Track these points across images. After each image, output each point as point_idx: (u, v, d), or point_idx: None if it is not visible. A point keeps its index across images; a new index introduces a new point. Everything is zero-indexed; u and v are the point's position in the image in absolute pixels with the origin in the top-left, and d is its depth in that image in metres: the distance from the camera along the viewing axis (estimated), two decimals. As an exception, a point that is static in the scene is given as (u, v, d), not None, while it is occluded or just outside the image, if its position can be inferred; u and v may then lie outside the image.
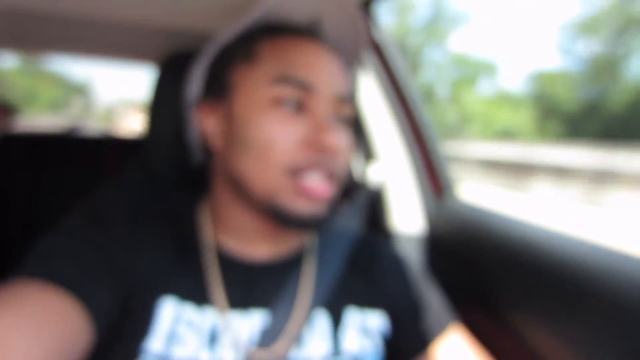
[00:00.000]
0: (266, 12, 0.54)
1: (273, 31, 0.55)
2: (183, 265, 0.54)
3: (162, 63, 0.71)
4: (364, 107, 1.01)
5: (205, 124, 0.57)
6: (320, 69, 0.53)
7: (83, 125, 3.91)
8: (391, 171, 1.00)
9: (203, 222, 0.58)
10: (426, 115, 1.02)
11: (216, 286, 0.54)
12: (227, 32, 0.57)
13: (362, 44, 0.59)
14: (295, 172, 0.50)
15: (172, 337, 0.50)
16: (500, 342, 0.72)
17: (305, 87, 0.51)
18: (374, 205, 1.00)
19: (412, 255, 0.94)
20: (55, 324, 0.41)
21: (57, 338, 0.41)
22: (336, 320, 0.57)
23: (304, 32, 0.56)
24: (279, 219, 0.52)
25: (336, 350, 0.55)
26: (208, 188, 0.60)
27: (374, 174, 0.99)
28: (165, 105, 0.70)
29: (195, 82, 0.62)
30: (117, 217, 0.54)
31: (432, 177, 1.00)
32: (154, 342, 0.49)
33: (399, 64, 1.00)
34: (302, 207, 0.50)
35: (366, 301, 0.60)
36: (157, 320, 0.50)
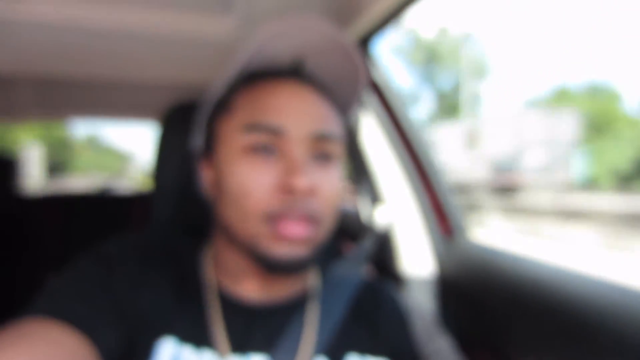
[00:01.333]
0: (249, 60, 0.55)
1: (252, 78, 0.56)
2: (184, 307, 0.54)
3: (163, 116, 0.74)
4: (367, 149, 1.01)
5: (204, 176, 0.59)
6: (291, 110, 0.53)
7: (116, 185, 4.08)
8: (398, 213, 0.98)
9: (205, 265, 0.59)
10: (433, 155, 1.02)
11: (217, 328, 0.54)
12: (216, 84, 0.59)
13: (360, 81, 0.58)
14: (272, 217, 0.50)
15: None
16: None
17: (274, 131, 0.51)
18: (381, 249, 0.97)
19: (422, 298, 0.91)
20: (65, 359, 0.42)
21: None
22: None
23: (284, 74, 0.56)
24: (261, 263, 0.52)
25: None
26: (210, 234, 0.62)
27: (381, 217, 0.98)
28: (168, 157, 0.72)
29: (197, 135, 0.63)
30: (121, 259, 0.55)
31: (441, 217, 0.98)
32: None
33: (399, 102, 1.01)
34: (280, 251, 0.50)
35: (368, 348, 0.58)
36: None
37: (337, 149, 0.55)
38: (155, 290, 0.54)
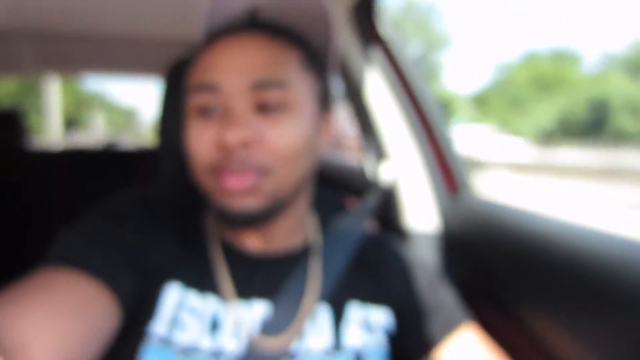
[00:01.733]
0: (209, 17, 0.55)
1: (211, 37, 0.56)
2: (189, 255, 0.57)
3: (165, 72, 0.73)
4: (373, 104, 1.00)
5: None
6: (227, 64, 0.52)
7: (121, 140, 4.12)
8: (403, 169, 0.98)
9: (208, 218, 0.61)
10: (438, 110, 1.00)
11: (221, 275, 0.56)
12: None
13: (328, 27, 0.56)
14: (214, 171, 0.52)
15: (174, 322, 0.52)
16: (516, 341, 0.69)
17: (211, 89, 0.52)
18: (386, 204, 0.98)
19: (427, 254, 0.93)
20: (87, 307, 0.45)
21: (89, 320, 0.44)
22: (338, 314, 0.58)
23: (238, 28, 0.55)
24: (222, 216, 0.54)
25: (337, 344, 0.56)
26: None
27: (386, 173, 0.98)
28: (170, 113, 0.71)
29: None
30: (128, 213, 0.57)
31: (446, 174, 0.98)
32: (158, 326, 0.52)
33: (406, 59, 0.99)
34: (229, 203, 0.52)
35: (370, 297, 0.60)
36: (161, 305, 0.53)
37: (291, 97, 0.53)
38: (161, 241, 0.56)
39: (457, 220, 0.91)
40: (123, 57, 1.45)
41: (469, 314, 0.64)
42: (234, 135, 0.49)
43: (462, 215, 0.90)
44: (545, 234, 0.68)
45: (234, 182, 0.50)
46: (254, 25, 0.56)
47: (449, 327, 0.60)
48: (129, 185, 0.65)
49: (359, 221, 0.69)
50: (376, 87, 0.99)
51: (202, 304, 0.54)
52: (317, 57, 0.59)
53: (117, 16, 0.99)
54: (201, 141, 0.52)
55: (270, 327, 0.54)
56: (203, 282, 0.55)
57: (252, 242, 0.59)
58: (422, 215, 0.95)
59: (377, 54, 0.98)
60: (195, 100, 0.53)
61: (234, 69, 0.52)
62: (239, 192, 0.51)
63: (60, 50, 1.39)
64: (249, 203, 0.51)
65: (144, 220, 0.57)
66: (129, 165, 1.66)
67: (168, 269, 0.55)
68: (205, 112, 0.52)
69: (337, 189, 0.75)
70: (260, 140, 0.51)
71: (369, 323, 0.58)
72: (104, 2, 0.90)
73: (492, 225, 0.81)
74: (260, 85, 0.51)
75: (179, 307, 0.53)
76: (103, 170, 1.63)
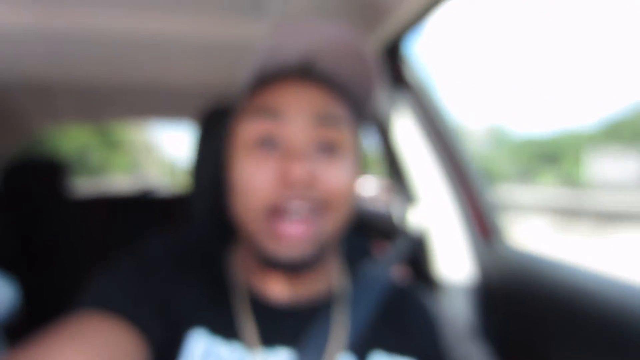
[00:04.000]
0: (261, 63, 0.55)
1: (264, 81, 0.57)
2: (215, 303, 0.56)
3: (199, 119, 0.76)
4: (402, 149, 1.00)
5: (227, 177, 0.60)
6: (291, 97, 0.53)
7: (156, 186, 4.26)
8: (434, 215, 0.96)
9: (235, 266, 0.61)
10: (469, 154, 0.99)
11: (246, 323, 0.55)
12: (237, 90, 0.60)
13: (372, 82, 0.57)
14: (271, 212, 0.50)
15: None
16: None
17: (274, 115, 0.52)
18: (416, 251, 0.96)
19: (459, 303, 0.89)
20: (119, 351, 0.45)
21: None
22: None
23: (293, 75, 0.56)
24: (264, 261, 0.53)
25: None
26: (237, 235, 0.63)
27: (415, 218, 0.96)
28: (202, 160, 0.74)
29: (221, 138, 0.65)
30: (158, 261, 0.57)
31: (479, 220, 0.95)
32: None
33: (434, 102, 0.99)
34: (277, 249, 0.50)
35: (395, 348, 0.58)
36: (188, 351, 0.52)
37: (345, 139, 0.54)
38: (189, 289, 0.56)
39: (491, 268, 0.87)
40: (154, 105, 1.53)
41: None
42: (301, 169, 0.48)
43: (497, 264, 0.87)
44: (581, 286, 0.65)
45: (293, 229, 0.50)
46: (306, 74, 0.57)
47: None
48: (163, 230, 0.67)
49: (386, 268, 0.68)
50: (405, 131, 0.99)
51: (228, 351, 0.53)
52: (358, 107, 0.60)
53: (149, 68, 1.05)
54: (260, 176, 0.50)
55: None
56: (228, 329, 0.54)
57: (279, 290, 0.58)
58: (454, 263, 0.92)
59: (406, 99, 0.99)
60: (255, 127, 0.52)
61: (299, 101, 0.53)
62: (295, 239, 0.50)
63: (98, 101, 1.48)
64: (300, 250, 0.51)
65: (173, 268, 0.57)
66: (163, 211, 1.71)
67: (195, 315, 0.55)
68: (263, 145, 0.52)
69: (363, 233, 0.74)
70: (321, 179, 0.51)
71: None
72: (139, 55, 0.95)
73: (529, 275, 0.77)
74: (322, 121, 0.52)
75: (206, 355, 0.52)
76: (139, 217, 1.69)
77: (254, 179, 0.51)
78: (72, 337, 0.44)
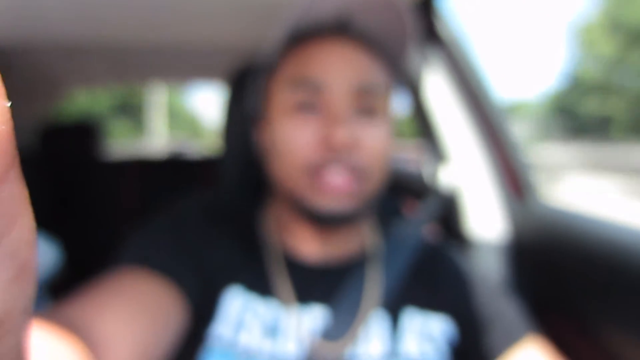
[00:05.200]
0: (296, 20, 0.54)
1: (299, 38, 0.56)
2: (249, 260, 0.58)
3: (230, 79, 0.75)
4: (433, 106, 0.98)
5: (260, 139, 0.61)
6: (333, 65, 0.53)
7: (188, 148, 4.31)
8: (465, 173, 0.95)
9: (268, 225, 0.62)
10: (501, 111, 0.96)
11: (281, 280, 0.56)
12: (266, 46, 0.59)
13: (408, 36, 0.56)
14: (314, 170, 0.51)
15: (239, 324, 0.53)
16: (589, 356, 0.65)
17: (315, 87, 0.52)
18: (447, 209, 0.96)
19: (492, 262, 0.89)
20: (160, 306, 0.47)
21: (162, 319, 0.46)
22: (395, 321, 0.57)
23: (329, 32, 0.56)
24: (308, 216, 0.54)
25: (394, 351, 0.55)
26: (270, 195, 0.64)
27: (446, 177, 0.95)
28: (233, 121, 0.74)
29: (252, 99, 0.64)
30: (191, 218, 0.59)
31: (511, 177, 0.94)
32: (224, 329, 0.53)
33: (470, 59, 0.96)
34: (324, 203, 0.52)
35: (428, 303, 0.59)
36: (226, 307, 0.54)
37: (384, 103, 0.55)
38: (223, 247, 0.58)
39: (525, 227, 0.87)
40: (186, 66, 1.52)
41: (536, 327, 0.60)
42: (344, 134, 0.49)
43: (529, 221, 0.86)
44: (618, 243, 0.64)
45: (336, 180, 0.51)
46: (343, 31, 0.57)
47: (511, 340, 0.57)
48: (194, 192, 0.69)
49: (418, 227, 0.68)
50: (437, 88, 0.97)
51: (264, 307, 0.55)
52: (393, 63, 0.60)
53: (178, 27, 1.04)
54: (301, 137, 0.52)
55: (328, 333, 0.54)
56: (263, 286, 0.56)
57: (313, 249, 0.59)
58: (486, 221, 0.92)
59: (438, 55, 0.96)
60: (294, 97, 0.53)
61: (342, 71, 0.53)
62: (339, 192, 0.51)
63: (128, 62, 1.49)
64: (344, 204, 0.52)
65: (206, 226, 0.59)
66: (193, 174, 1.75)
67: (230, 272, 0.56)
68: (303, 108, 0.53)
69: (394, 192, 0.74)
70: (361, 143, 0.52)
71: (427, 331, 0.57)
72: (169, 13, 0.94)
73: (563, 232, 0.76)
74: (363, 90, 0.53)
75: (244, 310, 0.54)
76: (171, 179, 1.74)
77: (295, 140, 0.52)
78: (114, 294, 0.45)
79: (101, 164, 1.73)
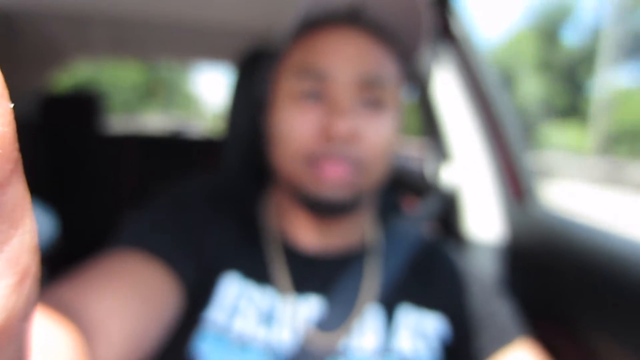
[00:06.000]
0: (307, 7, 0.53)
1: (310, 26, 0.55)
2: (248, 247, 0.58)
3: (238, 62, 0.74)
4: (440, 103, 0.97)
5: (265, 125, 0.60)
6: (338, 54, 0.52)
7: (188, 127, 4.30)
8: (467, 173, 0.94)
9: (268, 212, 0.61)
10: (509, 112, 0.95)
11: (278, 269, 0.56)
12: (277, 32, 0.58)
13: (423, 28, 0.55)
14: (313, 159, 0.51)
15: (234, 310, 0.53)
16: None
17: (320, 76, 0.51)
18: (447, 208, 0.95)
19: (488, 263, 0.89)
20: (154, 289, 0.47)
21: (157, 302, 0.46)
22: (390, 316, 0.57)
23: (340, 21, 0.55)
24: (306, 204, 0.54)
25: (387, 346, 0.55)
26: (272, 182, 0.64)
27: (447, 175, 0.95)
28: (240, 104, 0.73)
29: (261, 85, 0.64)
30: (192, 200, 0.59)
31: (513, 179, 0.94)
32: (218, 314, 0.53)
33: (479, 58, 0.94)
34: (322, 191, 0.52)
35: (423, 301, 0.59)
36: (221, 293, 0.54)
37: (391, 96, 0.54)
38: (222, 231, 0.57)
39: (523, 230, 0.87)
40: (193, 45, 1.50)
41: (528, 329, 0.61)
42: (343, 125, 0.49)
43: (528, 225, 0.86)
44: (616, 252, 0.64)
45: (334, 170, 0.51)
46: (355, 20, 0.56)
47: (502, 342, 0.57)
48: (194, 172, 0.68)
49: (418, 224, 0.68)
50: (444, 85, 0.96)
51: (260, 295, 0.55)
52: (406, 57, 0.59)
53: (190, 3, 1.02)
54: (302, 126, 0.51)
55: (324, 323, 0.54)
56: (260, 274, 0.56)
57: (312, 238, 0.59)
58: (485, 222, 0.92)
59: (448, 52, 0.95)
60: (298, 85, 0.53)
61: (345, 60, 0.52)
62: (337, 181, 0.51)
63: (134, 36, 1.46)
64: (343, 193, 0.52)
65: (207, 209, 0.58)
66: (194, 153, 1.73)
67: (227, 258, 0.56)
68: (307, 97, 0.52)
69: (394, 188, 0.73)
70: (362, 135, 0.51)
71: (421, 329, 0.57)
72: None
73: (560, 239, 0.76)
74: (369, 81, 0.52)
75: (239, 296, 0.54)
76: (170, 157, 1.72)
77: (296, 128, 0.52)
78: (109, 277, 0.45)
79: (100, 137, 1.71)
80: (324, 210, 0.54)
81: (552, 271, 0.75)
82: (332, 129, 0.49)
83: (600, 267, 0.65)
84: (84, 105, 1.68)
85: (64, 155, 1.63)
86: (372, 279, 0.58)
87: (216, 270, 0.55)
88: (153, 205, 0.57)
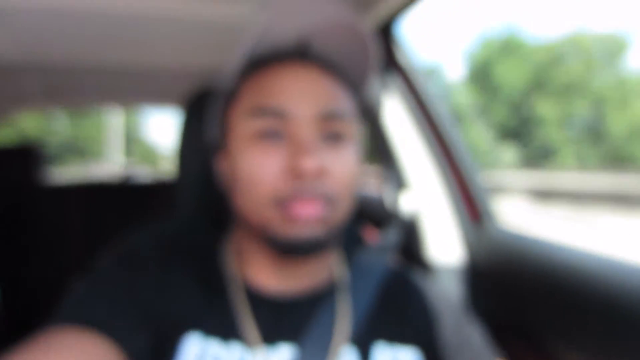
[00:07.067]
0: (254, 45, 0.53)
1: (258, 64, 0.55)
2: (210, 302, 0.54)
3: (185, 103, 0.72)
4: (391, 132, 0.98)
5: (221, 167, 0.58)
6: (295, 92, 0.51)
7: (138, 172, 4.17)
8: (425, 199, 0.95)
9: (228, 258, 0.58)
10: (459, 137, 0.98)
11: (244, 321, 0.53)
12: (225, 71, 0.57)
13: (370, 60, 0.56)
14: (282, 201, 0.49)
15: None
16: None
17: (279, 115, 0.50)
18: (408, 236, 0.95)
19: (451, 286, 0.89)
20: None
21: None
22: (365, 356, 0.54)
23: (289, 57, 0.55)
24: (276, 247, 0.51)
25: None
26: (231, 226, 0.61)
27: (407, 203, 0.95)
28: (189, 146, 0.70)
29: (211, 127, 0.62)
30: (144, 257, 0.55)
31: (469, 203, 0.95)
32: None
33: (425, 85, 0.98)
34: (291, 232, 0.49)
35: (397, 336, 0.57)
36: (181, 356, 0.50)
37: (349, 128, 0.53)
38: (180, 287, 0.54)
39: (482, 251, 0.88)
40: (135, 89, 1.46)
41: (498, 351, 0.60)
42: (311, 163, 0.47)
43: (486, 245, 0.87)
44: (573, 266, 0.65)
45: (306, 209, 0.49)
46: (304, 56, 0.55)
47: None
48: (146, 218, 0.64)
49: (383, 255, 0.67)
50: (395, 114, 0.98)
51: (226, 352, 0.51)
52: (356, 88, 0.59)
53: (128, 48, 1.00)
54: (267, 167, 0.50)
55: None
56: (225, 329, 0.52)
57: (279, 282, 0.56)
58: (445, 246, 0.92)
59: (395, 81, 0.97)
60: (257, 125, 0.51)
61: (302, 96, 0.51)
62: (309, 220, 0.49)
63: (72, 84, 1.41)
64: (313, 232, 0.50)
65: (160, 265, 0.55)
66: (146, 198, 1.66)
67: (187, 317, 0.52)
68: (267, 137, 0.51)
69: (355, 218, 0.73)
70: (328, 170, 0.50)
71: None
72: (113, 35, 0.90)
73: (518, 256, 0.78)
74: (328, 116, 0.51)
75: (201, 358, 0.50)
76: (120, 203, 1.63)
77: (260, 170, 0.50)
78: (46, 356, 0.42)
79: (44, 190, 1.61)
80: (296, 251, 0.51)
81: (514, 288, 0.76)
82: (300, 167, 0.47)
83: (559, 280, 0.66)
84: (23, 158, 1.58)
85: (4, 212, 1.52)
86: (344, 319, 0.56)
87: (175, 334, 0.51)
88: (99, 268, 0.53)
